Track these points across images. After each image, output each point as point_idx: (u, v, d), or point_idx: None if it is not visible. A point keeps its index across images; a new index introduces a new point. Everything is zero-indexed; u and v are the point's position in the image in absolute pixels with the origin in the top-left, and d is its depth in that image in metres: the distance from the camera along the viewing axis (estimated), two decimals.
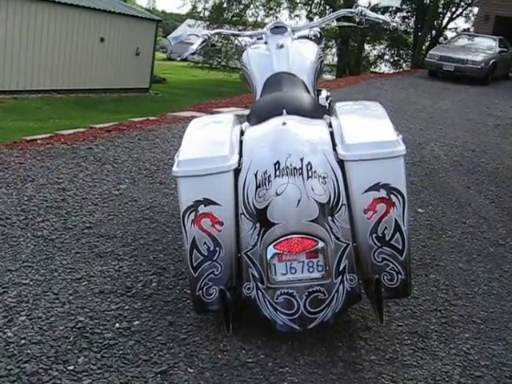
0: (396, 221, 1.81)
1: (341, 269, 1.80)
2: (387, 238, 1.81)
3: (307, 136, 1.94)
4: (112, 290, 2.09)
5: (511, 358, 1.93)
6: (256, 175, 1.85)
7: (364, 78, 12.51)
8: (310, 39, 3.03)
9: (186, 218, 1.85)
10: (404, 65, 19.89)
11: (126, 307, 1.98)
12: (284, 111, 2.12)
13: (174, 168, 1.90)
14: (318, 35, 3.09)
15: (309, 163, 1.84)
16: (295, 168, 1.82)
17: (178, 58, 3.33)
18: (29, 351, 1.67)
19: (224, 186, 1.86)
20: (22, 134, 9.99)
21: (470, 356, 1.91)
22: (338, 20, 3.10)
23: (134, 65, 18.63)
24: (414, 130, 6.23)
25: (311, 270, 1.79)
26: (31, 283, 2.08)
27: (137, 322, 1.89)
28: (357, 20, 2.90)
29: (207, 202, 1.84)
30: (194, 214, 1.84)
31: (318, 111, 2.27)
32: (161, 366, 1.67)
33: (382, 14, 3.09)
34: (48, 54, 15.68)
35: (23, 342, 1.72)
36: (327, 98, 2.93)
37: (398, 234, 1.81)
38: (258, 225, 1.82)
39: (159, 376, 1.62)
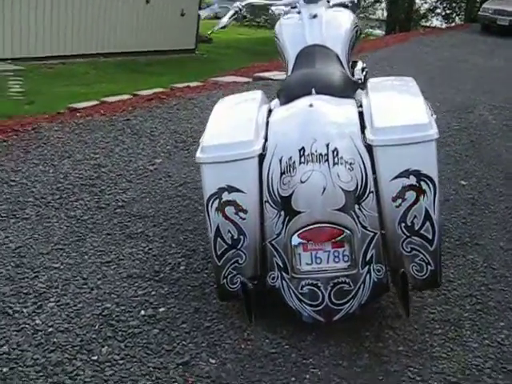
0: (426, 209, 1.73)
1: (367, 259, 1.74)
2: (417, 228, 1.73)
3: (334, 118, 1.86)
4: (140, 274, 2.10)
5: None
6: (281, 161, 1.80)
7: (414, 35, 12.08)
8: (346, 6, 2.90)
9: (209, 206, 1.82)
10: (457, 18, 19.00)
11: (153, 293, 1.99)
12: (313, 90, 2.04)
13: (198, 154, 1.87)
14: (356, 1, 2.95)
15: (335, 149, 1.76)
16: (321, 154, 1.76)
17: (209, 32, 3.26)
18: (55, 340, 1.71)
19: (248, 172, 1.81)
20: (70, 100, 10.17)
21: (504, 347, 1.84)
22: None
23: (180, 26, 18.48)
24: (462, 92, 5.98)
25: (337, 259, 1.74)
26: (62, 267, 2.11)
27: (162, 309, 1.89)
28: None
29: (231, 189, 1.80)
30: (217, 201, 1.81)
31: (349, 88, 2.18)
32: (183, 356, 1.67)
33: None
34: (94, 18, 15.71)
35: (50, 329, 1.75)
36: (363, 69, 2.82)
37: (428, 223, 1.73)
38: (282, 213, 1.77)
39: (181, 367, 1.62)
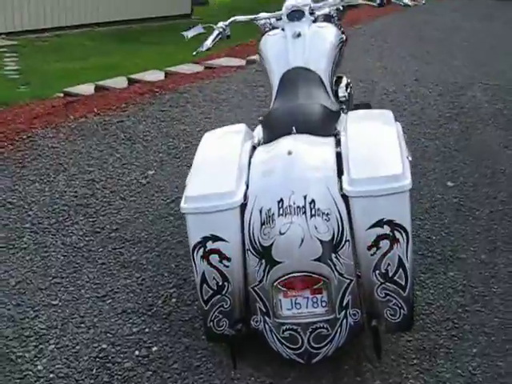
0: (399, 257, 1.83)
1: (344, 304, 1.86)
2: (390, 275, 1.84)
3: (312, 164, 1.95)
4: (134, 308, 2.23)
5: None
6: (261, 212, 1.89)
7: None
8: (332, 16, 2.94)
9: (195, 253, 1.92)
10: None
11: (146, 330, 2.12)
12: (294, 129, 2.12)
13: (182, 204, 1.96)
14: (341, 8, 2.99)
15: (312, 200, 1.85)
16: (298, 206, 1.85)
17: (193, 53, 3.29)
18: None
19: (231, 222, 1.91)
20: (65, 80, 10.12)
21: (475, 377, 1.97)
22: None
23: None
24: (456, 69, 5.99)
25: (315, 305, 1.86)
26: (60, 304, 2.24)
27: (155, 348, 2.03)
28: (377, 1, 2.80)
29: (215, 238, 1.90)
30: (202, 249, 1.91)
31: (329, 122, 2.25)
32: None
33: None
34: None
35: (51, 376, 1.89)
36: (347, 86, 2.88)
37: (401, 270, 1.84)
38: (263, 261, 1.88)
39: None
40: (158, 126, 4.18)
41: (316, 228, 1.83)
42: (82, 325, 2.13)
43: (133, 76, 7.29)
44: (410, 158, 2.02)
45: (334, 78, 2.78)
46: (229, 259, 1.90)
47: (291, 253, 1.83)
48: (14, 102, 7.51)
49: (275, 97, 2.58)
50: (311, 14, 2.84)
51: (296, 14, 2.78)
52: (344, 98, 2.80)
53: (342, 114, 2.46)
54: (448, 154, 3.94)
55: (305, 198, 1.85)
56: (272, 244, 1.85)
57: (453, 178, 3.58)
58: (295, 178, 1.89)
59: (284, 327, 1.86)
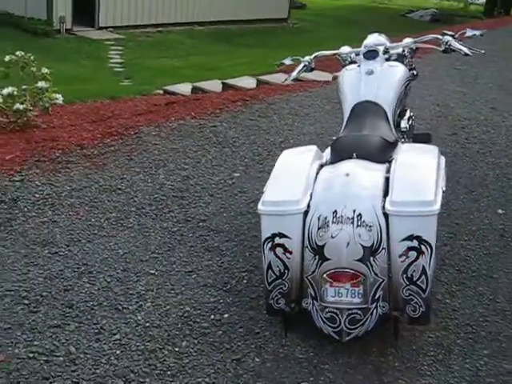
0: (423, 266, 2.32)
1: (376, 297, 2.36)
2: (414, 279, 2.32)
3: (363, 184, 2.46)
4: (213, 284, 2.82)
5: None
6: (319, 219, 2.42)
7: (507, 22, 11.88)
8: (404, 56, 3.42)
9: (265, 246, 2.49)
10: None
11: (221, 301, 2.70)
12: (354, 155, 2.64)
13: (259, 206, 2.53)
14: (414, 47, 3.46)
15: (359, 214, 2.36)
16: (348, 217, 2.37)
17: (283, 81, 3.82)
18: (151, 332, 2.46)
19: (295, 224, 2.46)
20: (165, 77, 11.00)
21: (480, 372, 2.41)
22: (426, 42, 3.42)
23: None
24: None
25: (353, 296, 2.37)
26: (156, 273, 2.86)
27: (226, 315, 2.60)
28: (442, 48, 3.23)
29: (281, 235, 2.46)
30: (271, 243, 2.47)
31: (385, 152, 2.73)
32: (237, 354, 2.38)
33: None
34: None
35: (148, 324, 2.51)
36: (409, 118, 3.35)
37: (423, 276, 2.32)
38: (317, 257, 2.41)
39: (234, 362, 2.33)
40: (246, 134, 4.78)
41: (360, 236, 2.34)
42: (172, 291, 2.74)
43: (227, 81, 8.00)
44: (443, 189, 2.48)
45: (398, 111, 3.25)
46: (290, 252, 2.45)
47: (339, 252, 2.35)
48: (118, 95, 8.42)
49: (345, 125, 3.10)
50: (386, 52, 3.34)
51: (371, 54, 3.28)
52: (405, 129, 3.28)
53: (399, 144, 2.94)
54: (506, 183, 4.28)
55: (354, 211, 2.37)
56: (325, 244, 2.38)
57: (505, 206, 3.93)
58: (348, 194, 2.41)
59: (327, 309, 2.39)
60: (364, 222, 2.36)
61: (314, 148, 2.88)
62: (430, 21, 20.98)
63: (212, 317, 2.59)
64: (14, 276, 2.75)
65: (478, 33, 3.25)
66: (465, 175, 4.33)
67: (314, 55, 3.43)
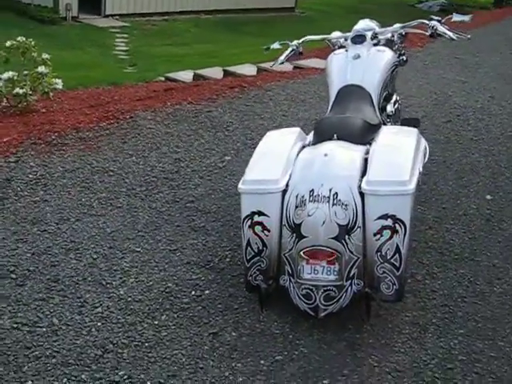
0: (397, 244, 2.36)
1: (351, 275, 2.41)
2: (388, 257, 2.37)
3: (341, 166, 2.50)
4: (196, 261, 2.88)
5: (489, 356, 2.43)
6: (296, 197, 2.47)
7: None
8: (393, 41, 3.45)
9: (244, 223, 2.54)
10: None
11: (203, 278, 2.76)
12: (335, 136, 2.68)
13: (240, 185, 2.58)
14: (403, 33, 3.49)
15: (336, 193, 2.41)
16: (324, 196, 2.41)
17: (270, 65, 3.83)
18: (132, 307, 2.53)
19: (273, 202, 2.51)
20: (169, 64, 11.03)
21: (453, 350, 2.45)
22: (414, 27, 3.45)
23: None
24: None
25: (329, 273, 2.42)
26: (141, 251, 2.93)
27: (207, 292, 2.66)
28: (428, 33, 3.26)
29: (260, 213, 2.51)
30: (250, 221, 2.53)
31: (367, 134, 2.77)
32: (215, 328, 2.44)
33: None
34: None
35: (129, 299, 2.58)
36: (395, 102, 3.38)
37: (397, 255, 2.36)
38: (294, 235, 2.46)
39: (211, 335, 2.39)
40: (240, 119, 4.83)
41: (336, 214, 2.39)
42: (156, 268, 2.80)
43: (228, 68, 8.03)
44: (420, 170, 2.52)
45: (384, 95, 3.29)
46: (269, 230, 2.50)
47: (315, 230, 2.40)
48: (121, 82, 8.47)
49: (330, 108, 3.14)
50: (374, 37, 3.37)
51: (359, 38, 3.31)
52: (391, 113, 3.31)
53: (382, 127, 2.97)
54: (497, 170, 4.30)
55: (330, 190, 2.42)
56: (302, 222, 2.43)
57: (493, 192, 3.96)
58: (325, 174, 2.46)
59: (303, 286, 2.44)
60: (340, 200, 2.41)
61: (297, 130, 2.93)
62: (439, 11, 20.85)
63: (193, 293, 2.65)
64: (2, 252, 2.82)
65: (466, 18, 3.28)
66: (456, 161, 4.36)
67: (301, 40, 3.47)
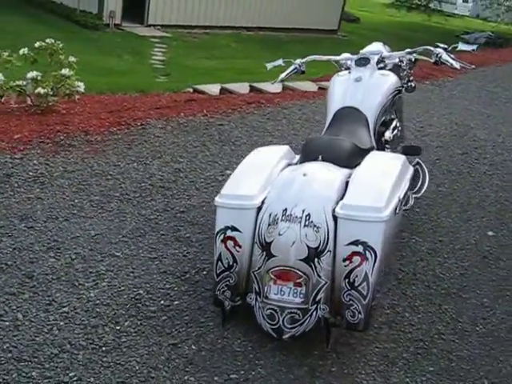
0: (366, 272, 2.30)
1: (317, 299, 2.35)
2: (356, 284, 2.31)
3: (318, 186, 2.46)
4: (173, 271, 2.86)
5: None
6: (270, 215, 2.44)
7: None
8: (400, 66, 3.41)
9: (217, 237, 2.52)
10: None
11: (176, 288, 2.74)
12: (320, 157, 2.65)
13: (216, 198, 2.56)
14: (413, 59, 3.44)
15: (308, 214, 2.37)
16: (296, 216, 2.37)
17: (272, 82, 3.81)
18: (98, 310, 2.53)
19: (247, 218, 2.48)
20: (201, 76, 11.16)
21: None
22: (420, 54, 3.40)
23: (324, 5, 18.80)
24: None
25: (295, 295, 2.37)
26: (121, 256, 2.93)
27: (176, 302, 2.64)
28: (432, 59, 3.22)
29: (233, 228, 2.48)
30: (223, 235, 2.50)
31: (354, 157, 2.73)
32: (175, 339, 2.41)
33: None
34: None
35: (98, 302, 2.58)
36: (395, 128, 3.33)
37: (365, 282, 2.30)
38: (264, 253, 2.42)
39: (170, 346, 2.37)
40: (250, 135, 4.82)
41: (306, 236, 2.34)
42: (131, 274, 2.80)
43: (255, 84, 8.07)
44: (399, 196, 2.46)
45: (383, 119, 3.24)
46: (240, 246, 2.47)
47: (284, 251, 2.36)
48: (149, 90, 8.58)
49: (325, 129, 3.11)
50: (381, 61, 3.33)
51: (363, 61, 3.29)
52: (389, 139, 3.26)
53: (372, 152, 2.92)
54: (505, 207, 4.18)
55: (303, 211, 2.37)
56: (272, 241, 2.39)
57: (497, 229, 3.84)
58: (300, 194, 2.42)
59: (268, 306, 2.39)
60: (312, 222, 2.36)
61: (286, 148, 2.90)
62: (484, 44, 20.58)
63: (162, 302, 2.64)
64: None
65: (469, 48, 3.23)
66: (463, 194, 4.25)
67: (306, 59, 3.46)
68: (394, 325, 2.73)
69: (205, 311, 2.61)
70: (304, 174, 2.50)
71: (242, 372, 2.30)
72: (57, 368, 2.19)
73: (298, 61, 3.43)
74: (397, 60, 3.43)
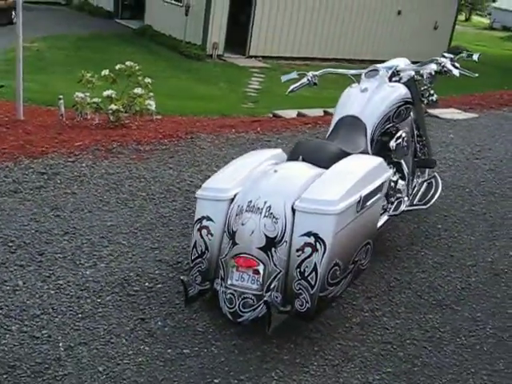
0: (315, 263, 2.40)
1: (271, 287, 2.48)
2: (306, 274, 2.41)
3: (284, 182, 2.61)
4: (167, 260, 3.11)
5: None
6: (238, 206, 2.62)
7: None
8: (415, 80, 3.48)
9: (195, 226, 2.74)
10: None
11: (164, 274, 2.98)
12: (300, 157, 2.80)
13: (198, 191, 2.79)
14: (433, 73, 3.50)
15: (269, 206, 2.52)
16: (258, 208, 2.53)
17: (286, 92, 3.94)
18: (88, 285, 2.82)
19: (220, 209, 2.68)
20: (290, 104, 11.49)
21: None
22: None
23: (431, 39, 18.56)
24: None
25: (252, 282, 2.51)
26: (126, 244, 3.23)
27: (159, 285, 2.88)
28: (437, 68, 3.28)
29: (208, 218, 2.69)
30: (199, 224, 2.72)
31: (336, 160, 2.83)
32: (145, 315, 2.64)
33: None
34: (338, 24, 16.86)
35: (90, 279, 2.88)
36: (399, 138, 3.38)
37: (313, 273, 2.40)
38: (230, 241, 2.60)
39: (138, 320, 2.60)
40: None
41: (265, 226, 2.50)
42: (129, 259, 3.08)
43: (329, 109, 8.24)
44: (360, 194, 2.53)
45: (384, 129, 3.30)
46: (212, 235, 2.67)
47: (245, 239, 2.53)
48: (230, 113, 9.03)
49: (327, 136, 3.25)
50: (397, 74, 3.43)
51: (371, 73, 3.40)
52: (392, 148, 3.32)
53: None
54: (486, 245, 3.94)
55: (265, 203, 2.53)
56: (237, 230, 2.57)
57: None
58: (265, 188, 2.59)
59: (229, 291, 2.56)
60: (272, 213, 2.51)
61: (277, 151, 3.07)
62: None
63: (146, 284, 2.88)
64: (14, 225, 3.29)
65: (475, 57, 3.27)
66: (498, 216, 4.12)
67: (320, 72, 3.62)
68: (366, 326, 2.76)
69: (182, 295, 2.81)
70: (275, 171, 2.66)
71: (196, 349, 2.47)
72: (34, 326, 2.50)
73: (311, 73, 3.60)
74: (412, 73, 3.49)
